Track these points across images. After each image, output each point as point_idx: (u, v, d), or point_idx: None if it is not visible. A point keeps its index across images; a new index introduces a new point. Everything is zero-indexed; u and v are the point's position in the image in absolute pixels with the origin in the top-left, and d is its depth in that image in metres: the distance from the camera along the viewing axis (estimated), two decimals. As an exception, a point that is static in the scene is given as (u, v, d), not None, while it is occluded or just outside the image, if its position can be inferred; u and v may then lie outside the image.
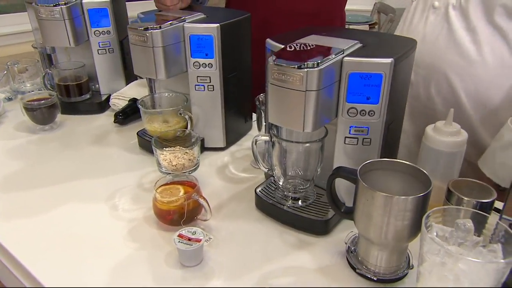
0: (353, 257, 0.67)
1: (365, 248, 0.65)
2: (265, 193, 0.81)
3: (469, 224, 0.51)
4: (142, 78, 1.43)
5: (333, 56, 0.65)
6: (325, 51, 0.66)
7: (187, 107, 0.97)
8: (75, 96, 1.24)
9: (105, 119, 1.21)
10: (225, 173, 0.94)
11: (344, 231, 0.74)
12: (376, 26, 2.72)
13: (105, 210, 0.82)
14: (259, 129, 0.98)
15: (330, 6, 1.32)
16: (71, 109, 1.24)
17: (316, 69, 0.62)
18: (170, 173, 0.85)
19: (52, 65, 1.28)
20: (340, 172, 0.65)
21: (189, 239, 0.68)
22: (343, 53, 0.67)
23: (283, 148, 0.75)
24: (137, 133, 1.04)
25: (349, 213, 0.65)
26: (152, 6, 1.07)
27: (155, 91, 1.04)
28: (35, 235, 0.75)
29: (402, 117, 0.81)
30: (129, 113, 1.16)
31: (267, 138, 0.76)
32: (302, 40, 0.72)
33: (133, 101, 1.19)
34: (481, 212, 0.55)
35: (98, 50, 1.22)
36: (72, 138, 1.11)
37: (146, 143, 1.02)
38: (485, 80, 0.87)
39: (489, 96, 0.88)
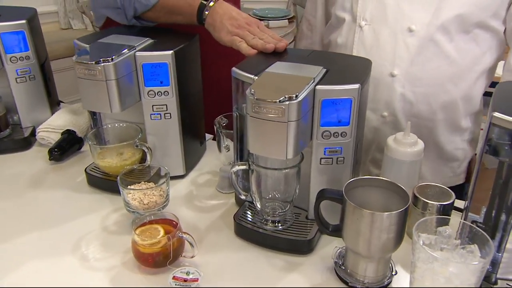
0: (342, 271, 0.80)
1: (353, 261, 0.78)
2: (244, 220, 0.91)
3: (449, 230, 0.67)
4: (64, 103, 1.43)
5: (307, 86, 0.77)
6: (300, 81, 0.78)
7: (141, 137, 1.02)
8: (-7, 133, 1.21)
9: (35, 156, 1.20)
10: (193, 203, 1.01)
11: (326, 246, 0.87)
12: (295, 20, 2.92)
13: (75, 263, 0.85)
14: (220, 150, 1.07)
15: None
16: (-11, 149, 1.20)
17: (295, 101, 0.73)
18: (138, 212, 0.90)
19: (-41, 100, 1.22)
20: (326, 194, 0.77)
21: (185, 280, 0.75)
22: (313, 81, 0.79)
23: (262, 175, 0.85)
24: (85, 170, 1.06)
25: (337, 231, 0.78)
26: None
27: (101, 122, 1.07)
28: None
29: (363, 133, 0.96)
30: (66, 148, 1.17)
31: (244, 166, 0.86)
32: (271, 70, 0.83)
33: (68, 133, 1.19)
34: (445, 217, 0.72)
35: (16, 78, 1.20)
36: (2, 183, 1.09)
37: (97, 180, 1.05)
38: (469, 78, 1.12)
39: (472, 89, 1.14)
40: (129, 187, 0.92)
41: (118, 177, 0.90)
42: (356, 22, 1.13)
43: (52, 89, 1.31)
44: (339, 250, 0.83)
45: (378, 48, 1.11)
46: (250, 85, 0.83)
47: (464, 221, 0.73)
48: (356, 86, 0.79)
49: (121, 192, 0.90)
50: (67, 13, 3.36)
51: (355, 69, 0.88)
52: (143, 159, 1.05)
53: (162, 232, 0.83)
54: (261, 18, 2.74)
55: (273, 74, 0.82)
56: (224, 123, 1.08)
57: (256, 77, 0.82)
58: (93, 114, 1.08)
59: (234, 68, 0.87)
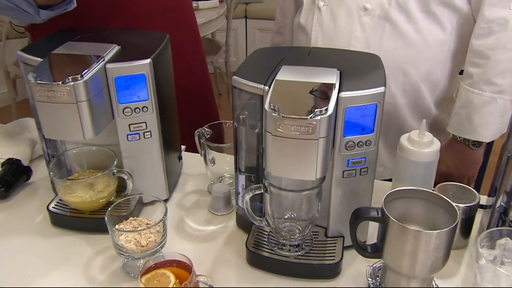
0: (379, 292, 0.77)
1: (394, 280, 0.75)
2: (258, 247, 0.83)
3: (511, 242, 0.65)
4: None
5: (332, 95, 0.70)
6: (321, 90, 0.71)
7: (117, 163, 0.90)
8: None
9: (-30, 195, 1.01)
10: (188, 231, 0.92)
11: (352, 265, 0.83)
12: (224, 0, 2.82)
13: (67, 329, 0.72)
14: (206, 163, 0.98)
15: None
16: None
17: (326, 115, 0.67)
18: (133, 256, 0.79)
19: None
20: (363, 215, 0.72)
21: (218, 335, 0.67)
22: (334, 88, 0.73)
23: (279, 197, 0.78)
24: (47, 208, 0.91)
25: (377, 252, 0.73)
26: None
27: (61, 148, 0.92)
28: None
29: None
30: (12, 181, 1.00)
31: (260, 191, 0.78)
32: (282, 77, 0.75)
33: (10, 162, 1.02)
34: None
35: None
36: None
37: (64, 218, 0.91)
38: (431, 61, 1.12)
39: (436, 74, 1.14)
40: (117, 226, 0.80)
41: (106, 216, 0.78)
42: (315, 4, 1.15)
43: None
44: (371, 269, 0.79)
45: (335, 29, 1.12)
46: (258, 96, 0.76)
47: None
48: (382, 89, 0.74)
49: (111, 234, 0.78)
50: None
51: (369, 68, 0.82)
52: (119, 187, 0.93)
53: (172, 278, 0.74)
54: (189, -1, 2.59)
55: (288, 83, 0.74)
56: (208, 135, 0.98)
57: (267, 87, 0.74)
58: (45, 140, 0.92)
59: (234, 77, 0.78)
